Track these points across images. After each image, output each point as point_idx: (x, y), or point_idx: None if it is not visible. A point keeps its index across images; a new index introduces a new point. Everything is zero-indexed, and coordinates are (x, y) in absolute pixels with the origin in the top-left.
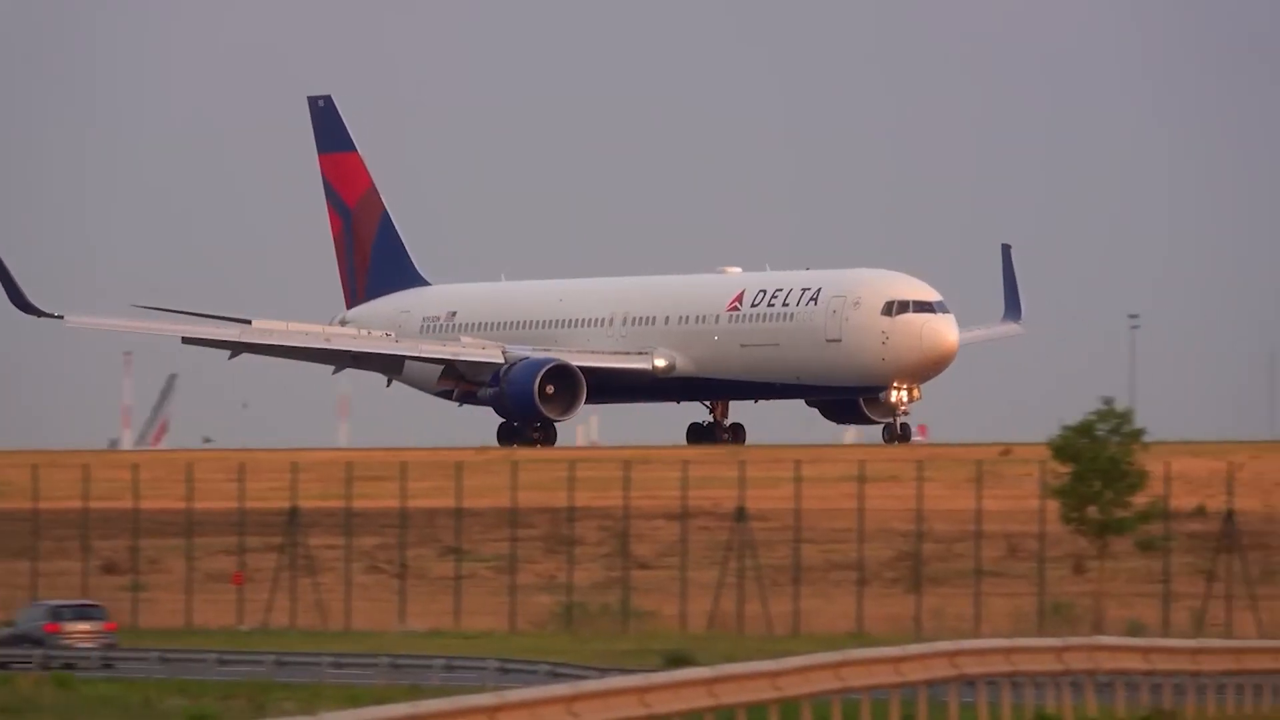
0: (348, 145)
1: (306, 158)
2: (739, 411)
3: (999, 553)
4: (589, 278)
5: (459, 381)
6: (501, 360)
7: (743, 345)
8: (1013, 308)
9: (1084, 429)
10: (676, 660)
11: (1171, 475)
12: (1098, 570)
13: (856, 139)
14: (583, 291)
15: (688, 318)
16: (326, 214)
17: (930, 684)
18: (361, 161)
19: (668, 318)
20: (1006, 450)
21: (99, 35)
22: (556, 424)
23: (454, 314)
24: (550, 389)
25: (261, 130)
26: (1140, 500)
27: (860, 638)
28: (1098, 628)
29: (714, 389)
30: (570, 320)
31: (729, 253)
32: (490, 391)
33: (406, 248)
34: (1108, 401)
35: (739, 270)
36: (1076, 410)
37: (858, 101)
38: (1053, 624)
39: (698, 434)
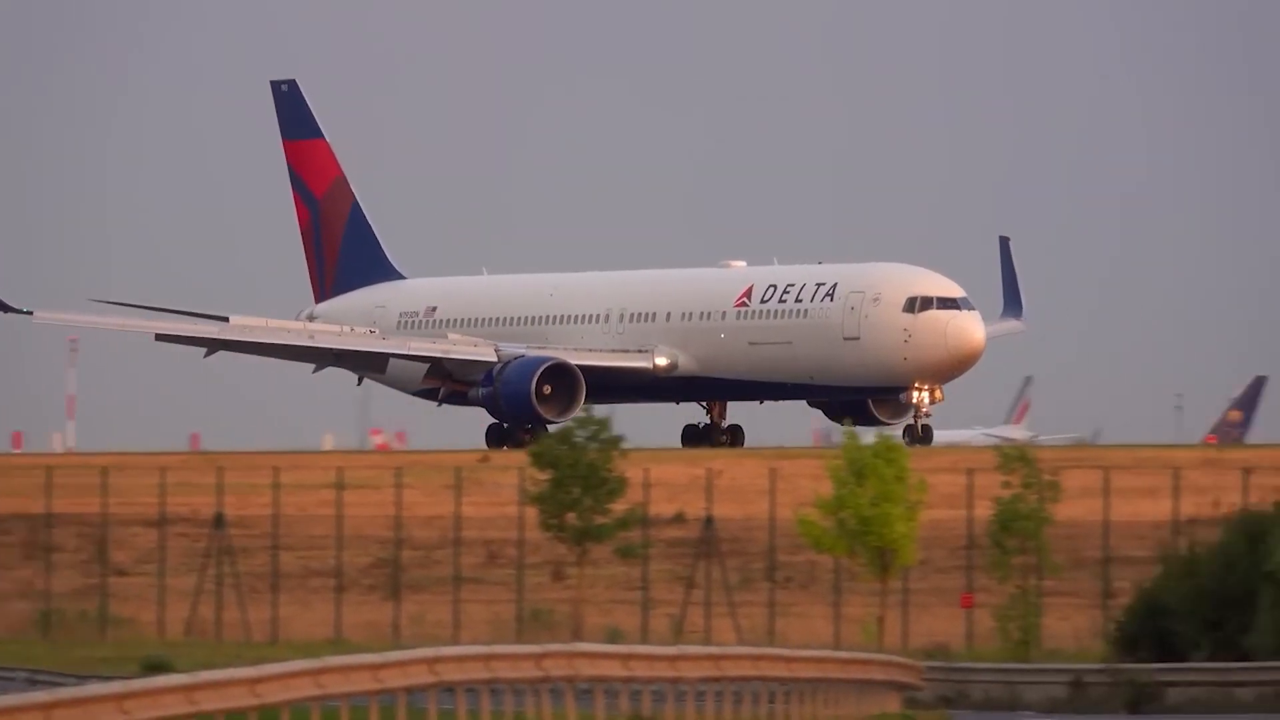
0: (314, 132)
1: (270, 145)
2: (736, 412)
3: (478, 560)
4: (580, 271)
5: (446, 380)
6: (494, 358)
7: (752, 343)
8: (1013, 303)
9: (563, 435)
10: (155, 667)
11: (650, 482)
12: (577, 577)
13: (848, 130)
14: (575, 286)
15: (691, 314)
16: (292, 204)
17: (410, 691)
18: (329, 149)
19: (669, 314)
20: (485, 457)
21: (50, 20)
22: (552, 425)
23: (434, 309)
24: (547, 389)
25: (222, 116)
26: (619, 507)
27: (339, 644)
28: (577, 634)
29: (719, 389)
30: (562, 316)
31: (720, 246)
32: (483, 391)
33: (379, 239)
34: (587, 409)
35: (743, 264)
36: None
37: (846, 95)
38: (532, 631)
39: (693, 436)
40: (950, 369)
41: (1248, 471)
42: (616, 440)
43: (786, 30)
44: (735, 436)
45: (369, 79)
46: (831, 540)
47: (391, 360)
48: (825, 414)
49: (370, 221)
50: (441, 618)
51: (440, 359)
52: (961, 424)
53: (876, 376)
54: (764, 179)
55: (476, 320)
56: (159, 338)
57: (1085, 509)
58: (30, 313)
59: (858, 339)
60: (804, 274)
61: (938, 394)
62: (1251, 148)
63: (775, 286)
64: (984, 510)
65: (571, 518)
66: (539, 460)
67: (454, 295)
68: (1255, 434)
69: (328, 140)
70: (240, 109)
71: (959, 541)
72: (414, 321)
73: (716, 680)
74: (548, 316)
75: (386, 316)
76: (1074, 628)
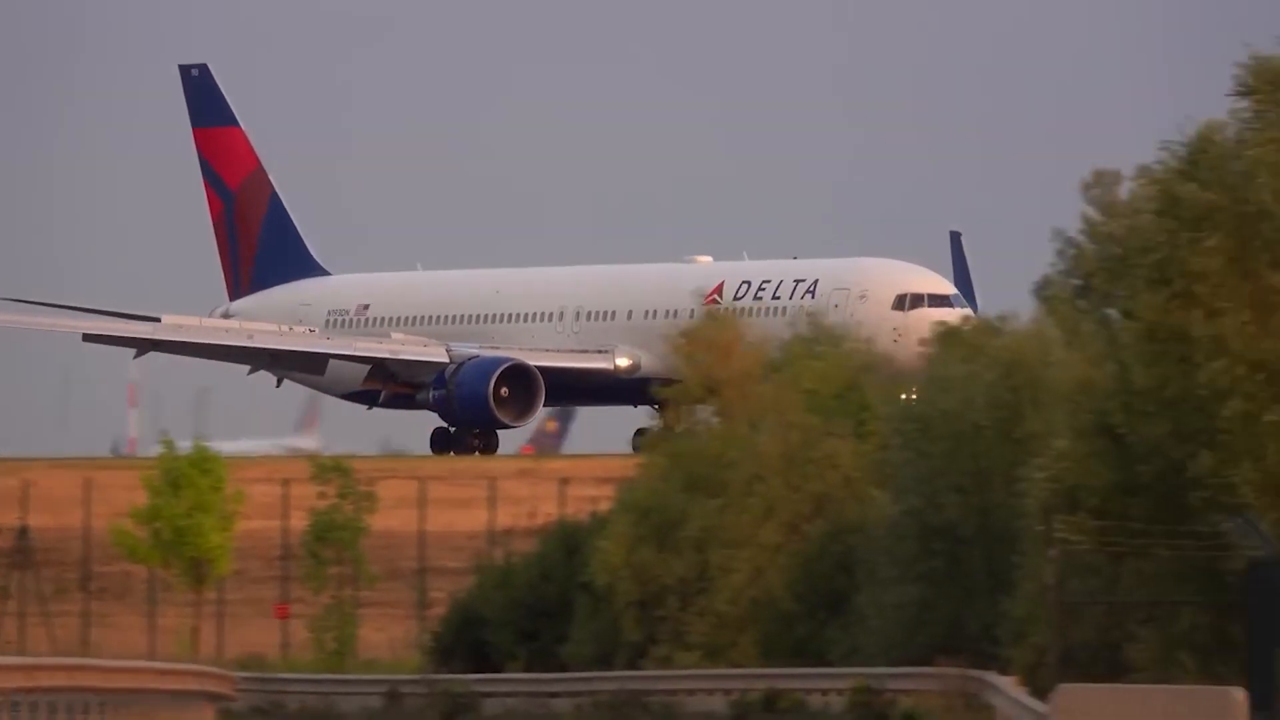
0: (228, 119)
1: (178, 134)
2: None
3: None
4: (529, 267)
5: (388, 383)
6: (446, 359)
7: None
8: (966, 299)
9: None
10: None
11: None
12: None
13: (794, 124)
14: (525, 283)
15: (655, 312)
16: (203, 196)
17: None
18: (245, 137)
19: (630, 312)
20: None
21: None
22: (510, 429)
23: (366, 307)
24: (504, 391)
25: (126, 104)
26: None
27: None
28: None
29: None
30: (510, 315)
31: (664, 240)
32: (435, 394)
33: (301, 233)
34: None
35: (709, 259)
36: None
37: (779, 89)
38: None
39: None
40: None
41: (564, 482)
42: None
43: (741, 21)
44: None
45: (287, 62)
46: (146, 550)
47: (331, 362)
48: None
49: (291, 214)
50: None
51: (386, 360)
52: (251, 434)
53: None
54: (715, 174)
55: (414, 319)
56: (87, 338)
57: (401, 519)
58: None
59: None
60: (780, 270)
61: None
62: None
63: (749, 283)
64: (301, 521)
65: None
66: None
67: (388, 292)
68: (571, 444)
69: (243, 128)
70: (145, 96)
71: (275, 552)
72: (344, 320)
73: (30, 691)
74: (493, 315)
75: (312, 315)
76: (390, 638)
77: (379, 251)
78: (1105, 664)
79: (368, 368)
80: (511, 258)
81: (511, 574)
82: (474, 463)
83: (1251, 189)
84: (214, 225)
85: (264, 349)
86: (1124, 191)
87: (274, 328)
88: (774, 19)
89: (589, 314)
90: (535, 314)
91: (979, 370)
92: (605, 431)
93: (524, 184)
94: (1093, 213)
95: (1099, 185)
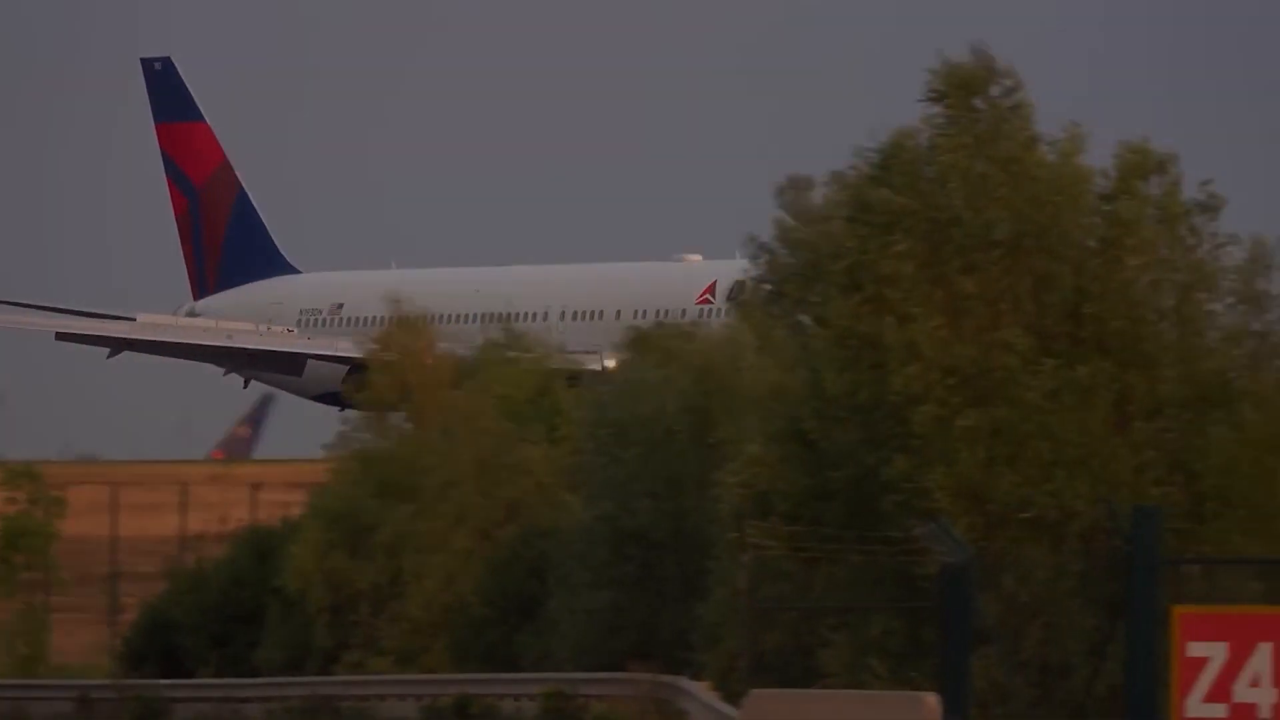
0: (193, 114)
1: (141, 129)
2: None
3: None
4: (510, 266)
5: None
6: None
7: None
8: None
9: None
10: None
11: None
12: None
13: (789, 121)
14: (505, 281)
15: (645, 312)
16: (166, 193)
17: None
18: (211, 132)
19: (619, 312)
20: None
21: None
22: None
23: (340, 306)
24: None
25: (86, 98)
26: None
27: None
28: None
29: None
30: (490, 314)
31: (665, 237)
32: None
33: (269, 231)
34: None
35: (699, 258)
36: None
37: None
38: None
39: None
40: None
41: (255, 487)
42: None
43: (732, 14)
44: None
45: (253, 55)
46: None
47: (309, 363)
48: None
49: (259, 211)
50: None
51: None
52: None
53: None
54: (705, 169)
55: (391, 319)
56: (60, 337)
57: (93, 524)
58: None
59: None
60: None
61: None
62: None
63: (744, 283)
64: None
65: None
66: None
67: (362, 291)
68: (263, 449)
69: (209, 123)
70: (107, 90)
71: None
72: (317, 320)
73: None
74: (475, 315)
75: (284, 314)
76: (81, 644)
77: (350, 249)
78: (798, 669)
79: (346, 369)
80: (493, 255)
81: (203, 579)
82: (167, 469)
83: (943, 194)
84: (178, 222)
85: (242, 349)
86: (817, 197)
87: (252, 327)
88: (761, 14)
89: (574, 314)
90: (516, 314)
91: (672, 375)
92: (297, 436)
93: (506, 178)
94: (785, 218)
95: (792, 190)
